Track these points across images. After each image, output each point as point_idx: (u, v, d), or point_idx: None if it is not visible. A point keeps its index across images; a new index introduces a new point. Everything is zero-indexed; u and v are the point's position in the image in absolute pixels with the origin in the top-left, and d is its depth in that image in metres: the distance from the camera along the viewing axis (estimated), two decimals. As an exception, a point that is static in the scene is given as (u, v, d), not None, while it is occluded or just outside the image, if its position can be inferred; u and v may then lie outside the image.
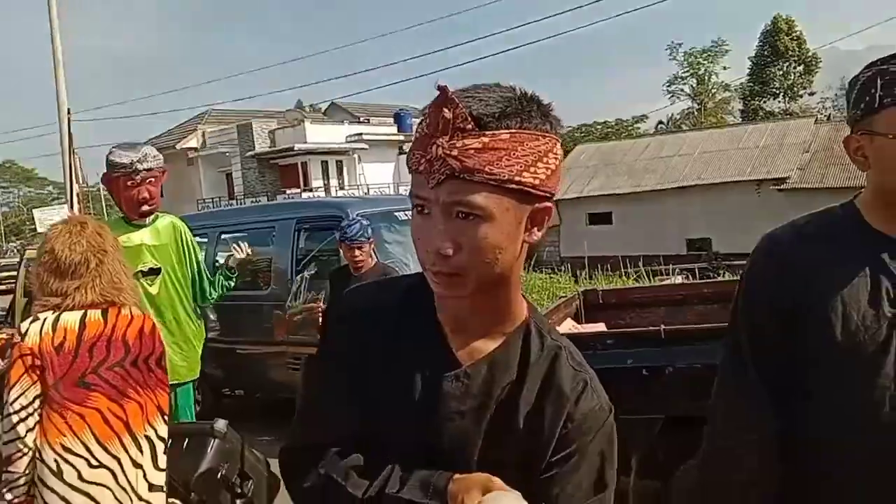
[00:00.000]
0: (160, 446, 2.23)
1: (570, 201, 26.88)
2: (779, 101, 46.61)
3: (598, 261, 21.26)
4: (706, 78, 49.58)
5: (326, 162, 30.60)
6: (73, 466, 2.07)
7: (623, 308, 4.78)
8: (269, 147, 30.55)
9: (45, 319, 2.10)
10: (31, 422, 2.03)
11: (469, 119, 0.92)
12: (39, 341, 2.06)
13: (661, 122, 53.94)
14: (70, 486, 2.04)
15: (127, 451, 2.15)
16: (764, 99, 46.79)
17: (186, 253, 4.35)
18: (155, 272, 4.15)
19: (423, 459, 1.01)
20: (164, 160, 4.12)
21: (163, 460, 2.24)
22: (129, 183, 3.89)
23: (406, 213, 5.77)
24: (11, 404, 2.01)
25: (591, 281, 16.30)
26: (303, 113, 32.63)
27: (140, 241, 4.11)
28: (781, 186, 23.70)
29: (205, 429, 2.83)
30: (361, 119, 35.44)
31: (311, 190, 28.20)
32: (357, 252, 4.12)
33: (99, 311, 2.18)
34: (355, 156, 31.02)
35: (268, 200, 28.33)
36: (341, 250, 4.30)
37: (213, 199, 32.11)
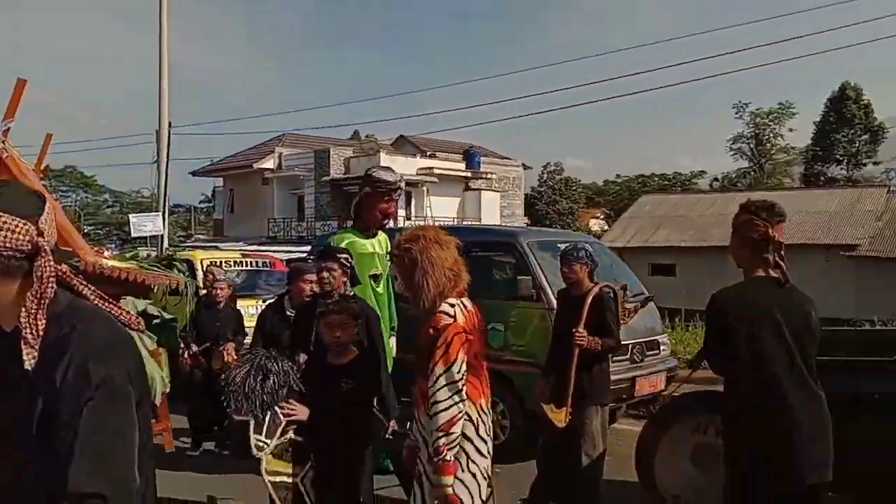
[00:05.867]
0: None
1: (634, 250, 27.24)
2: (841, 168, 46.48)
3: (660, 311, 21.51)
4: (769, 139, 49.70)
5: (396, 192, 31.46)
6: (483, 423, 2.69)
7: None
8: (343, 173, 31.63)
9: (458, 304, 2.69)
10: (462, 388, 2.61)
11: None
12: (465, 320, 2.66)
13: (716, 179, 54.04)
14: (482, 439, 2.66)
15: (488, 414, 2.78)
16: (827, 165, 46.71)
17: (388, 262, 5.08)
18: (378, 277, 4.91)
19: None
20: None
21: None
22: (385, 199, 4.63)
23: (563, 243, 6.34)
24: (456, 373, 2.58)
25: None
26: (378, 143, 33.69)
27: (373, 250, 4.89)
28: (851, 254, 23.76)
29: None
30: (428, 153, 36.43)
31: (380, 218, 28.98)
32: (570, 268, 4.59)
33: (467, 300, 2.79)
34: (424, 188, 31.90)
35: (338, 225, 29.26)
36: (561, 267, 4.74)
37: (283, 219, 33.27)
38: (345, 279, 4.21)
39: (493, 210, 33.67)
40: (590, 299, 4.53)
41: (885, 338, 5.16)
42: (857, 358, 4.03)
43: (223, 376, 3.51)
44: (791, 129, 49.53)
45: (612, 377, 4.95)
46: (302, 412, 3.18)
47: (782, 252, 2.82)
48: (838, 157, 46.05)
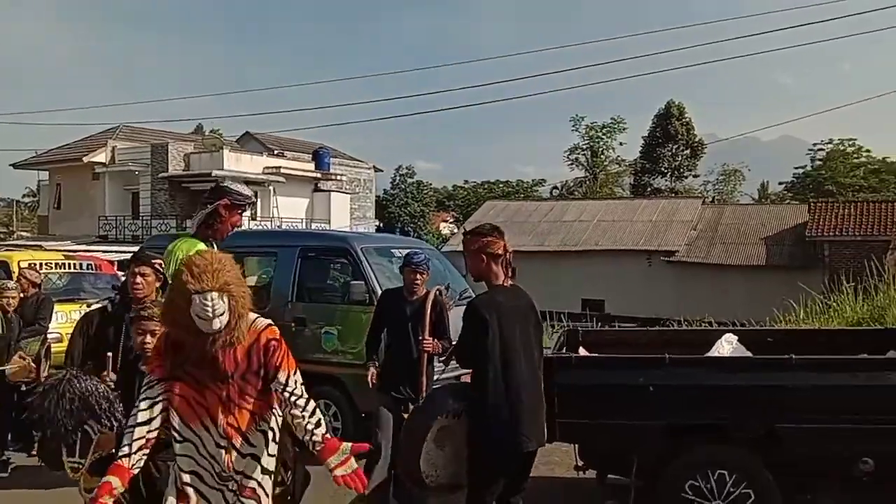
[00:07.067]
0: None
1: (478, 254, 28.19)
2: (665, 180, 50.49)
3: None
4: (601, 151, 52.99)
5: (241, 191, 30.47)
6: None
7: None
8: (183, 170, 30.27)
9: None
10: None
11: None
12: None
13: (555, 188, 56.96)
14: None
15: None
16: (653, 176, 50.60)
17: None
18: None
19: None
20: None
21: None
22: (239, 212, 4.50)
23: (401, 250, 6.55)
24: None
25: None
26: (222, 140, 32.46)
27: None
28: (670, 259, 25.99)
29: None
30: (276, 152, 35.62)
31: (223, 218, 27.96)
32: (418, 277, 4.88)
33: None
34: (271, 188, 31.20)
35: (177, 224, 27.95)
36: (405, 273, 4.96)
37: (116, 216, 31.27)
38: (158, 285, 4.13)
39: (343, 212, 33.52)
40: (430, 304, 4.78)
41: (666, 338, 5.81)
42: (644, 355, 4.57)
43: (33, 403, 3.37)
44: (621, 143, 53.20)
45: (439, 376, 5.22)
46: (108, 444, 3.10)
47: (510, 260, 3.54)
48: (663, 169, 49.95)
